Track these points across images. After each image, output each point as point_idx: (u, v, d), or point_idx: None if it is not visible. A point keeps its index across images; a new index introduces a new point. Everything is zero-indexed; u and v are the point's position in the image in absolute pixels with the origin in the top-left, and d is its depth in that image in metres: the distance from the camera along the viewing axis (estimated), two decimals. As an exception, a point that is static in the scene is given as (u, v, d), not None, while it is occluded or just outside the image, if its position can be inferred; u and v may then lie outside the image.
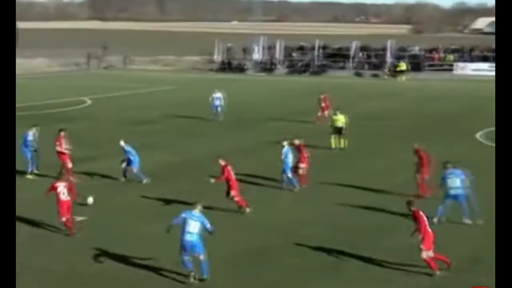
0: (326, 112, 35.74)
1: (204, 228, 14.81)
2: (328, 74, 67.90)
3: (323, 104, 36.43)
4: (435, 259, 15.09)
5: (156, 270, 15.53)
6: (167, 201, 21.20)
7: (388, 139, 32.28)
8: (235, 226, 18.87)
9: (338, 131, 29.47)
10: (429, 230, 15.04)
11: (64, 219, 17.91)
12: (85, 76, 69.47)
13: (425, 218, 15.19)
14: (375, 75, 67.83)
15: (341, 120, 29.58)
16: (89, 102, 46.46)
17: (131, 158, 23.50)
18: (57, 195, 17.85)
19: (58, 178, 18.72)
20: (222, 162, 20.11)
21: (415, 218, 15.18)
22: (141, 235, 18.09)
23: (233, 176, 19.96)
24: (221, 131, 34.61)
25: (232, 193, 19.96)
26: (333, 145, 29.46)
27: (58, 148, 23.87)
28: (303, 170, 22.52)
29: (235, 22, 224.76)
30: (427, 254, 14.91)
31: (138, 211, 20.52)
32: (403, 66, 65.91)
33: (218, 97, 37.92)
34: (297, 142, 22.90)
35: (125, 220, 19.55)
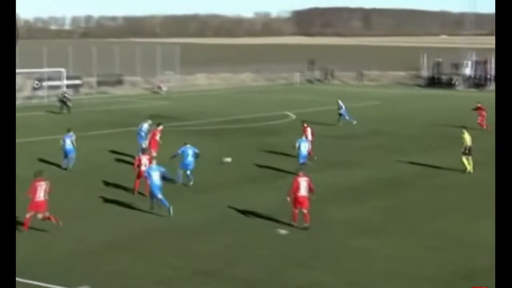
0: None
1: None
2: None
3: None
4: None
5: (367, 285, 15.59)
6: (376, 217, 21.31)
7: None
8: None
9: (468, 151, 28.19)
10: None
11: None
12: (290, 90, 71.49)
13: None
14: None
15: (467, 138, 28.41)
16: (293, 116, 47.68)
17: None
18: None
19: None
20: None
21: None
22: (352, 249, 18.25)
23: None
24: (426, 147, 34.17)
25: None
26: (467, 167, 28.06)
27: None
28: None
29: (444, 36, 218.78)
30: None
31: (347, 225, 20.65)
32: None
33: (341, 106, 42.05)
34: None
35: (338, 234, 19.62)
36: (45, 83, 59.01)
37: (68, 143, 29.12)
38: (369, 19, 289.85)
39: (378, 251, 17.99)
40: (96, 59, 64.32)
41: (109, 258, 17.35)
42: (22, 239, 18.58)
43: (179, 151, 25.88)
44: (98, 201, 23.11)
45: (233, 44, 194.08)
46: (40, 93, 58.63)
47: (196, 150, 25.99)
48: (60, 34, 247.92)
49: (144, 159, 23.97)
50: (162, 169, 21.73)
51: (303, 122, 32.22)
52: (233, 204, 22.43)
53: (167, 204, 21.08)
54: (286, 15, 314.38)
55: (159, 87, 67.57)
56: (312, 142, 29.94)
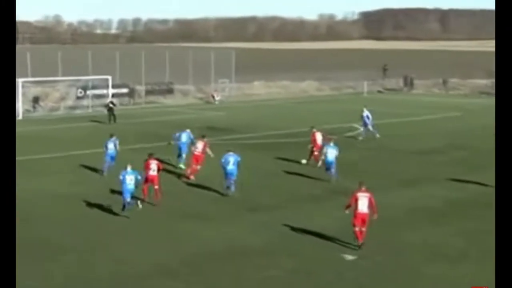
0: None
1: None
2: None
3: None
4: None
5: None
6: (455, 241, 21.20)
7: None
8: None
9: None
10: None
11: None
12: (357, 100, 71.21)
13: None
14: None
15: None
16: (360, 129, 47.51)
17: None
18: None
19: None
20: None
21: None
22: (426, 277, 18.12)
23: None
24: None
25: None
26: None
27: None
28: None
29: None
30: None
31: (421, 250, 20.41)
32: None
33: (366, 115, 42.33)
34: None
35: (410, 259, 19.54)
36: (89, 92, 60.37)
37: (111, 148, 30.62)
38: (446, 21, 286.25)
39: (457, 280, 17.77)
40: (144, 66, 65.35)
41: (157, 283, 17.44)
42: (64, 258, 18.99)
43: (222, 160, 26.85)
44: (144, 219, 23.38)
45: (294, 49, 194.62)
46: (84, 102, 60.03)
47: (238, 158, 26.86)
48: (106, 38, 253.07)
49: (153, 164, 25.39)
50: (138, 175, 23.97)
51: (311, 127, 34.06)
52: (293, 225, 22.49)
53: (133, 204, 23.62)
54: (354, 17, 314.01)
55: (213, 97, 68.20)
56: (319, 148, 32.13)
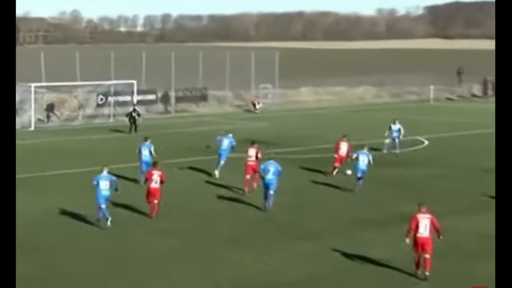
0: None
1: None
2: None
3: None
4: None
5: None
6: None
7: None
8: None
9: None
10: None
11: None
12: (423, 108, 70.74)
13: None
14: None
15: None
16: (426, 142, 47.29)
17: None
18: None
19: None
20: None
21: None
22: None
23: None
24: None
25: None
26: None
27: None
28: None
29: None
30: None
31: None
32: None
33: (398, 128, 43.38)
34: None
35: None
36: (111, 99, 60.96)
37: (145, 154, 32.28)
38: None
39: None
40: (174, 69, 65.78)
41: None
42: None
43: (261, 167, 28.10)
44: (176, 243, 23.57)
45: (348, 50, 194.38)
46: (105, 110, 60.69)
47: (279, 168, 27.76)
48: (131, 37, 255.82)
49: (156, 175, 26.55)
50: (113, 178, 25.74)
51: (343, 136, 36.22)
52: (347, 255, 22.49)
53: (107, 215, 24.92)
54: (418, 12, 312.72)
55: (253, 104, 68.42)
56: (342, 160, 34.82)
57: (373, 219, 27.33)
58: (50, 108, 59.04)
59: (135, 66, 65.45)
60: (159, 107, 65.55)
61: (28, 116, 54.52)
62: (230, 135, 35.60)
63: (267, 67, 72.54)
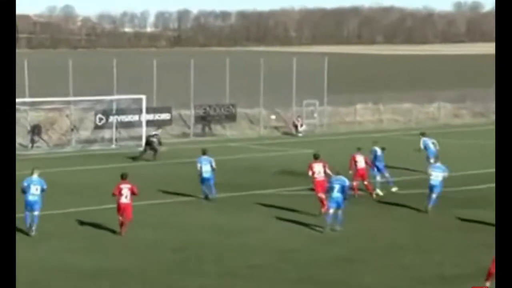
0: None
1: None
2: None
3: None
4: None
5: None
6: None
7: None
8: None
9: None
10: None
11: None
12: None
13: None
14: None
15: None
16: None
17: None
18: None
19: None
20: None
21: None
22: None
23: None
24: None
25: None
26: None
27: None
28: None
29: None
30: None
31: None
32: None
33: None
34: None
35: None
36: (113, 118, 60.92)
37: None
38: None
39: None
40: (194, 80, 65.60)
41: None
42: None
43: (331, 184, 31.60)
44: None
45: (417, 55, 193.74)
46: (106, 133, 60.62)
47: (346, 183, 31.62)
48: (139, 40, 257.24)
49: (125, 189, 30.54)
50: (44, 185, 30.83)
51: (358, 148, 40.88)
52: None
53: (35, 223, 30.26)
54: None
55: (295, 126, 68.41)
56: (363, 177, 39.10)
57: (461, 274, 27.14)
58: (36, 130, 59.07)
59: (144, 77, 65.52)
60: (175, 128, 65.50)
61: (7, 140, 54.65)
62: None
63: (313, 78, 72.41)
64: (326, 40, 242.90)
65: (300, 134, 67.44)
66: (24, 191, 30.42)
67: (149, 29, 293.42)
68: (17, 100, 55.07)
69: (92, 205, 37.89)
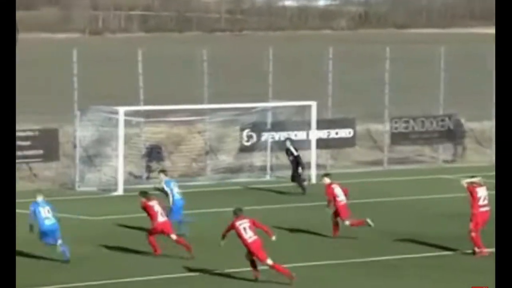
0: None
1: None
2: None
3: None
4: None
5: None
6: None
7: None
8: None
9: None
10: None
11: None
12: None
13: None
14: None
15: None
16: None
17: None
18: None
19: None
20: None
21: None
22: None
23: None
24: None
25: None
26: None
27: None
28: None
29: None
30: None
31: None
32: None
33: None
34: None
35: None
36: (268, 136, 61.09)
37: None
38: None
39: None
40: (390, 79, 65.36)
41: None
42: None
43: None
44: None
45: None
46: (257, 158, 61.13)
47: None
48: (305, 19, 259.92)
49: (157, 206, 38.44)
50: (51, 206, 37.18)
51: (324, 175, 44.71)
52: None
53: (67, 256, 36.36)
54: None
55: None
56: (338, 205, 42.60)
57: None
58: (154, 154, 59.20)
59: (313, 74, 64.95)
60: (360, 152, 64.72)
61: (110, 168, 54.39)
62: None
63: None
64: None
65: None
66: (34, 219, 36.41)
67: (322, 2, 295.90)
68: (127, 109, 55.14)
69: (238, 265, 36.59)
